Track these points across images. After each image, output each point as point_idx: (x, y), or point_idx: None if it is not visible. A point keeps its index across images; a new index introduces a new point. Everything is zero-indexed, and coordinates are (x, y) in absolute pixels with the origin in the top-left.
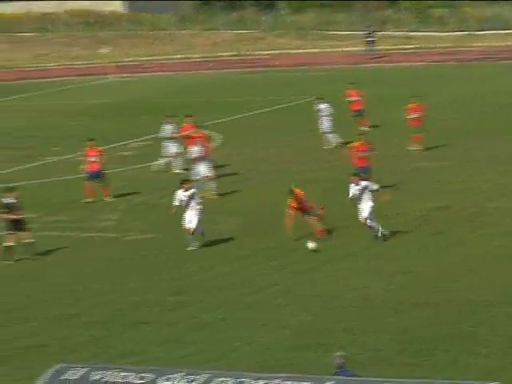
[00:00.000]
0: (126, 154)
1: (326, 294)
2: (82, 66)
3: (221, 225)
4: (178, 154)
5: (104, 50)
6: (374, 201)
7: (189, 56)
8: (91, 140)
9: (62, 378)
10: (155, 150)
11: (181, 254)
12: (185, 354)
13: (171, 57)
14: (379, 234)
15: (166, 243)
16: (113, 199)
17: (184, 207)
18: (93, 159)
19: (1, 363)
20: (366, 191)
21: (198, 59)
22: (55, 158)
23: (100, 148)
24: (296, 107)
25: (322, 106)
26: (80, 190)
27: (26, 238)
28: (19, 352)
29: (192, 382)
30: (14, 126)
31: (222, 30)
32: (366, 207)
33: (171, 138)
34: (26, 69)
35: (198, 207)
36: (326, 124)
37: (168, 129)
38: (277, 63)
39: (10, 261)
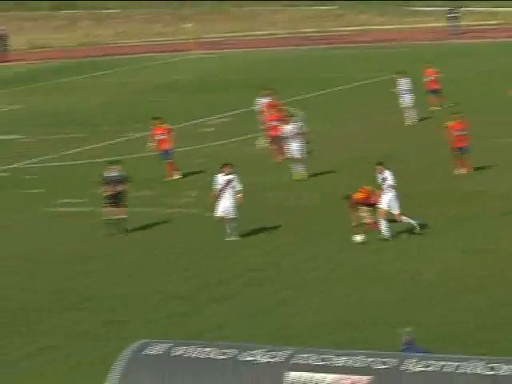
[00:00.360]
0: (207, 130)
1: (406, 271)
2: (164, 42)
3: (303, 200)
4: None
5: (186, 26)
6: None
7: (271, 32)
8: (157, 118)
9: (144, 353)
10: (236, 126)
11: (261, 230)
12: (266, 330)
13: (253, 33)
14: (416, 226)
15: (247, 220)
16: (180, 176)
17: (220, 193)
18: (161, 137)
19: (83, 338)
20: (385, 182)
21: (280, 35)
22: (138, 135)
23: (167, 126)
24: (378, 84)
25: (402, 81)
26: (158, 167)
27: (119, 213)
28: (103, 327)
29: (274, 358)
30: (99, 102)
31: (303, 6)
32: (388, 200)
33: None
34: (109, 45)
35: (238, 194)
36: (406, 100)
37: (263, 103)
38: (359, 39)
39: (113, 234)
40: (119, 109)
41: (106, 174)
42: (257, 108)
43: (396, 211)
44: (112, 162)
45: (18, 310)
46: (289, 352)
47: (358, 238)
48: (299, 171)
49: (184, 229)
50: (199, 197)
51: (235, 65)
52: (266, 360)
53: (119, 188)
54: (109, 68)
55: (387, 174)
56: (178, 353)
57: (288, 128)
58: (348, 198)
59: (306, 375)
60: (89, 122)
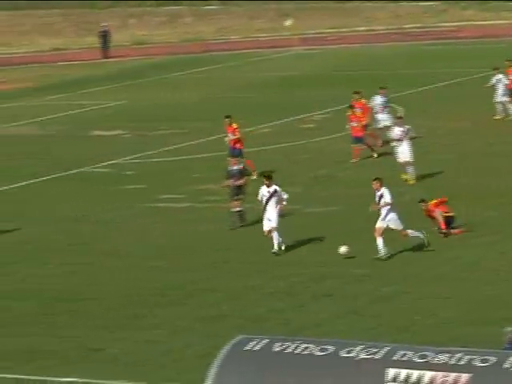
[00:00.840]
0: (309, 126)
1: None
2: (266, 38)
3: (406, 196)
4: (386, 127)
5: (288, 23)
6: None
7: (371, 28)
8: (228, 117)
9: (244, 349)
10: (337, 122)
11: (365, 225)
12: (365, 327)
13: (354, 29)
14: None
15: (347, 216)
16: (255, 176)
17: (264, 205)
18: (230, 136)
19: (184, 333)
20: (382, 199)
21: (381, 31)
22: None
23: (236, 125)
24: (481, 79)
25: (498, 77)
26: (257, 163)
27: (236, 206)
28: (202, 322)
29: (373, 354)
30: (201, 98)
31: (405, 2)
32: (389, 218)
33: (382, 110)
34: (210, 41)
35: (280, 205)
36: (500, 95)
37: (379, 100)
38: (461, 35)
39: (237, 226)
40: (220, 105)
41: (229, 167)
42: (373, 104)
43: (400, 227)
44: (232, 156)
45: (122, 306)
46: (388, 349)
47: (343, 249)
48: (408, 173)
49: (286, 223)
50: (301, 192)
51: (336, 61)
52: (365, 356)
53: (239, 181)
54: (210, 64)
55: (384, 190)
56: (278, 349)
57: (396, 130)
58: (423, 201)
59: (405, 372)
60: (190, 118)
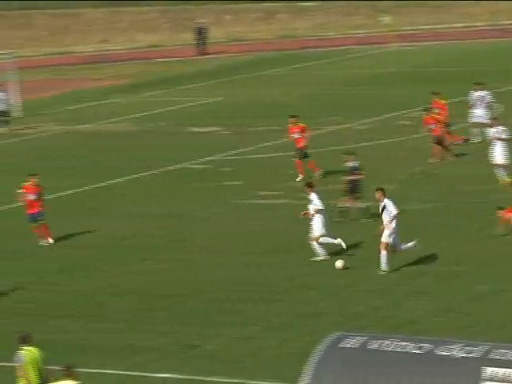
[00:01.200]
0: (406, 123)
1: None
2: (363, 34)
3: (497, 196)
4: (480, 124)
5: (384, 19)
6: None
7: (468, 24)
8: (293, 117)
9: (341, 346)
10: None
11: (463, 222)
12: (462, 325)
13: (450, 25)
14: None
15: (445, 213)
16: (320, 176)
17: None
18: (296, 136)
19: (280, 329)
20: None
21: (478, 27)
22: (333, 128)
23: (302, 124)
24: None
25: None
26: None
27: (357, 202)
28: (298, 319)
29: (470, 353)
30: (296, 95)
31: None
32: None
33: (478, 105)
34: (306, 38)
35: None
36: None
37: (475, 96)
38: None
39: (342, 219)
40: (317, 101)
41: (346, 164)
42: (470, 99)
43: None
44: (348, 153)
45: (219, 302)
46: (486, 347)
47: (338, 264)
48: (502, 176)
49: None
50: (398, 189)
51: (434, 57)
52: (462, 355)
53: (355, 177)
54: (306, 61)
55: (387, 202)
56: (374, 346)
57: (491, 131)
58: (501, 209)
59: (503, 371)
60: (286, 115)
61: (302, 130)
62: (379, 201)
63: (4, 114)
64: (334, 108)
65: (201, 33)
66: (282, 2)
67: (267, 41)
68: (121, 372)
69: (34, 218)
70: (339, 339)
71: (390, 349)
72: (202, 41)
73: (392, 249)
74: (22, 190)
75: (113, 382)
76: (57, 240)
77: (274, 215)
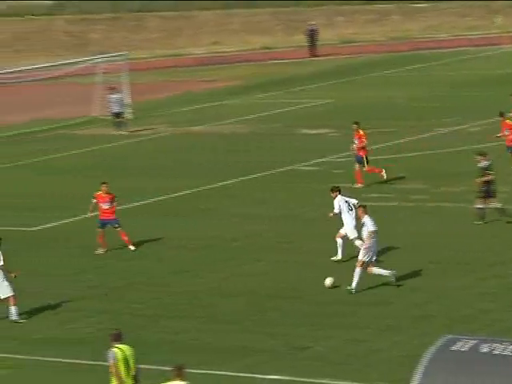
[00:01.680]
0: None
1: None
2: (476, 36)
3: None
4: None
5: (497, 20)
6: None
7: None
8: (356, 123)
9: (452, 348)
10: None
11: None
12: None
13: None
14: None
15: None
16: (361, 185)
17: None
18: (356, 142)
19: (391, 332)
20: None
21: None
22: (445, 130)
23: (361, 132)
24: None
25: None
26: (465, 163)
27: (492, 202)
28: (409, 321)
29: None
30: (408, 97)
31: None
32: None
33: None
34: (419, 39)
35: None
36: None
37: None
38: None
39: (480, 222)
40: (428, 103)
41: (480, 164)
42: None
43: (372, 259)
44: (480, 154)
45: (328, 304)
46: None
47: (328, 281)
48: None
49: (492, 223)
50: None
51: None
52: None
53: (488, 178)
54: (419, 62)
55: (366, 219)
56: (485, 350)
57: None
58: None
59: None
60: (398, 117)
61: (359, 137)
62: (359, 218)
63: (119, 115)
64: (447, 110)
65: (313, 35)
66: (395, 2)
67: (379, 42)
68: (231, 373)
69: (104, 225)
70: (450, 342)
71: (501, 353)
72: (313, 43)
73: (366, 265)
74: (94, 200)
75: (223, 383)
76: (167, 241)
77: (385, 218)
